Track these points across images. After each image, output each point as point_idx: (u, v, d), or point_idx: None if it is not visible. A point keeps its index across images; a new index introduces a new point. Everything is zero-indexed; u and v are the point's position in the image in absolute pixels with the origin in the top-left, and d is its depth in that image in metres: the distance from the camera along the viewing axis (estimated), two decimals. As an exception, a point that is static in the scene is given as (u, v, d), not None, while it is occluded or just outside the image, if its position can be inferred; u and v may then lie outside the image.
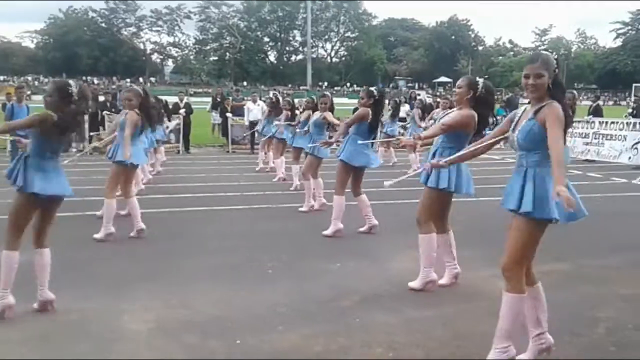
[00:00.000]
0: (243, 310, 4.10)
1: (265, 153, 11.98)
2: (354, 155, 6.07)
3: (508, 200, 3.08)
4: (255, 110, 15.03)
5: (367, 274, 4.98)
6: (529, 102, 3.16)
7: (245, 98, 18.53)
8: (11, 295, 3.89)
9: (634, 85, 37.76)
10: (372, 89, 6.51)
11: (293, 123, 9.29)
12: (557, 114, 2.91)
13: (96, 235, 5.96)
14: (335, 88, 67.28)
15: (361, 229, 6.41)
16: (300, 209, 7.69)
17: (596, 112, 14.79)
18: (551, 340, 3.24)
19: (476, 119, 4.37)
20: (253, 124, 15.16)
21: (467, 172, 4.51)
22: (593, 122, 14.08)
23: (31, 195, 3.78)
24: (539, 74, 2.98)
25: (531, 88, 3.02)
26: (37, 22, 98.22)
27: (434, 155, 4.43)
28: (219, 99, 18.39)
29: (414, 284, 4.56)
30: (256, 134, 15.27)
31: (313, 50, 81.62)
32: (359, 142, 6.01)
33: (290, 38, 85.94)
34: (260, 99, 15.15)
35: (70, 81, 4.06)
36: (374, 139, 6.42)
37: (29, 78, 68.29)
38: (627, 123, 13.76)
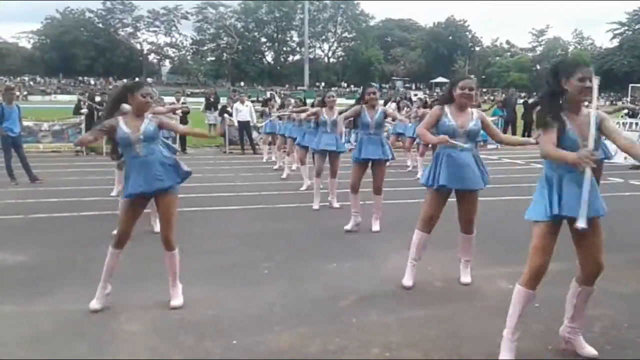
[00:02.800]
0: (239, 311, 4.09)
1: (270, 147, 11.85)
2: None
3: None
4: (244, 111, 14.97)
5: (363, 274, 4.98)
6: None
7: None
8: None
9: (630, 85, 37.80)
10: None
11: None
12: None
13: None
14: (333, 88, 67.30)
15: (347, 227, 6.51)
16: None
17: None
18: None
19: None
20: (242, 124, 15.15)
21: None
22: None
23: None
24: None
25: None
26: (34, 23, 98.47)
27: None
28: (212, 99, 18.41)
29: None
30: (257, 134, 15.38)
31: (310, 50, 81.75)
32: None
33: (288, 38, 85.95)
34: (249, 99, 15.12)
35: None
36: None
37: (26, 78, 68.21)
38: (623, 123, 13.79)
